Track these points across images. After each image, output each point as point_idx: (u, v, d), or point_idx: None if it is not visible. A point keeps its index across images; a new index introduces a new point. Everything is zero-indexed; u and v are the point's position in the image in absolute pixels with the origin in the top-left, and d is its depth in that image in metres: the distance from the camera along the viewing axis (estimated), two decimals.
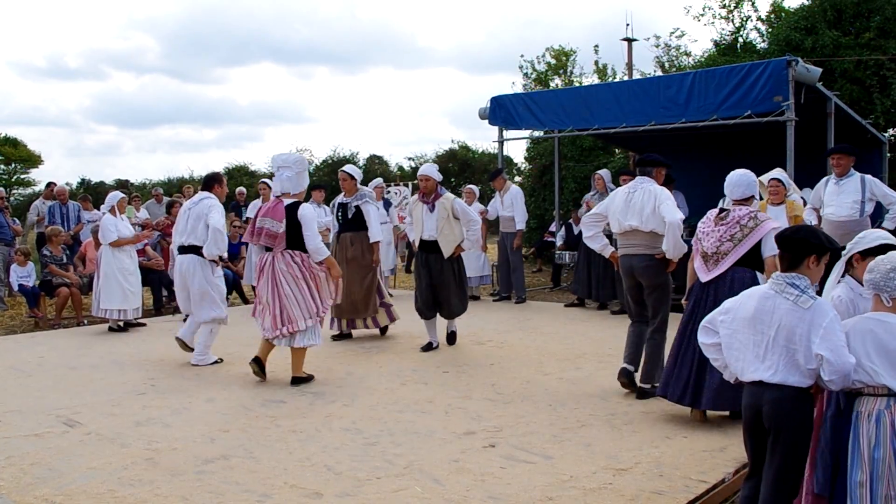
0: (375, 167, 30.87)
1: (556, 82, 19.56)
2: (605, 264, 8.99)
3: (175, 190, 21.75)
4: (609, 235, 5.78)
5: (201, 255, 6.18)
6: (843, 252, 2.98)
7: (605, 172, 9.41)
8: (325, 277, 5.51)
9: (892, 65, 11.21)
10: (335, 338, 7.21)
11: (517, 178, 19.15)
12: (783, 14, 13.81)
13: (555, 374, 5.79)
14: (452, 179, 27.85)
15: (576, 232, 10.79)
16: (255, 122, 60.65)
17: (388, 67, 68.42)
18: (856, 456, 2.60)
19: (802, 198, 6.86)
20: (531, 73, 19.68)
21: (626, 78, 17.14)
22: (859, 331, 2.61)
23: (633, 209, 4.98)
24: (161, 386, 5.56)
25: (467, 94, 66.92)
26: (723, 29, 15.13)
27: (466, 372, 5.89)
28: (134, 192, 14.72)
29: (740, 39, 14.56)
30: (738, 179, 4.42)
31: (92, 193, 17.40)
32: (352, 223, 7.06)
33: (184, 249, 6.27)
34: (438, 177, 6.57)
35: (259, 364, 5.55)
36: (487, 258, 10.42)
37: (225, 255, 6.39)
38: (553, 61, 19.96)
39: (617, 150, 14.76)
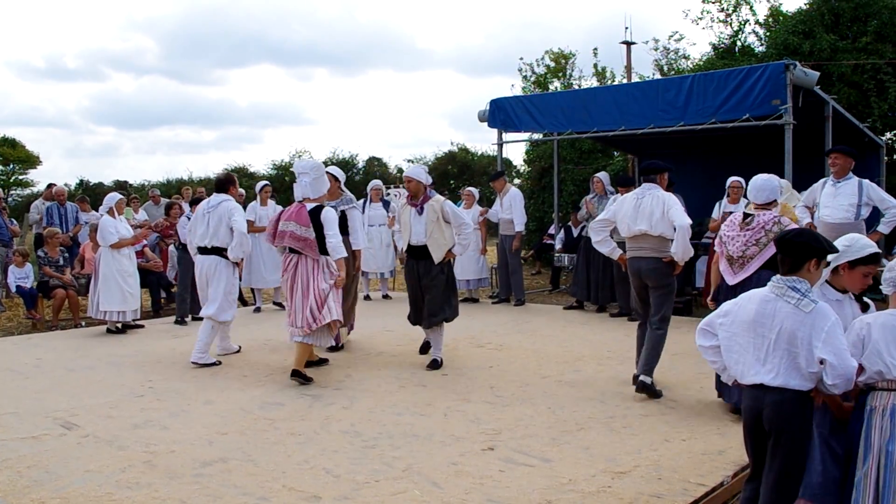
0: (375, 169, 30.90)
1: (556, 85, 19.55)
2: (604, 267, 9.02)
3: (174, 191, 21.71)
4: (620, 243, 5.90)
5: (224, 256, 6.34)
6: (830, 261, 3.01)
7: (603, 175, 9.43)
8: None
9: (890, 69, 11.24)
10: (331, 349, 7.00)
11: (516, 181, 19.16)
12: (781, 18, 13.85)
13: (553, 376, 5.79)
14: (452, 182, 27.87)
15: (575, 234, 10.80)
16: (255, 123, 60.75)
17: (388, 69, 68.62)
18: (868, 448, 2.65)
19: (807, 206, 6.78)
20: (530, 76, 19.69)
21: (625, 81, 17.16)
22: (880, 325, 2.71)
23: (643, 214, 5.21)
24: (159, 388, 5.55)
25: (466, 97, 67.12)
26: (721, 32, 15.19)
27: (465, 374, 5.88)
28: (133, 194, 14.67)
29: (738, 43, 14.60)
30: (763, 184, 4.59)
31: (90, 194, 17.35)
32: None
33: (205, 251, 6.39)
34: (426, 179, 6.23)
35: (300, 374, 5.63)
36: (486, 260, 10.42)
37: (245, 255, 6.54)
38: (552, 64, 19.96)
39: (616, 153, 14.76)
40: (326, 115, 63.95)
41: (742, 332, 2.82)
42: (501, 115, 10.18)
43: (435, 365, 6.12)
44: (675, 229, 5.05)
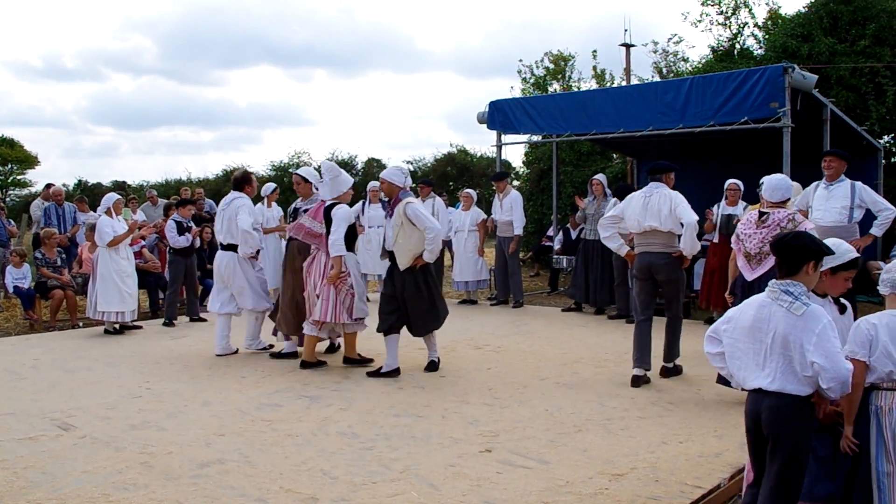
0: (374, 170, 30.87)
1: (555, 87, 19.54)
2: (603, 269, 9.04)
3: (172, 192, 21.70)
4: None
5: (237, 252, 6.72)
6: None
7: (602, 177, 9.45)
8: (353, 282, 6.00)
9: (888, 72, 11.24)
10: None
11: (515, 183, 19.14)
12: (780, 21, 13.87)
13: (551, 378, 5.79)
14: (451, 183, 27.84)
15: (573, 236, 10.81)
16: (254, 124, 60.70)
17: (387, 70, 68.62)
18: (880, 448, 2.74)
19: (800, 210, 6.83)
20: (529, 78, 19.69)
21: (624, 83, 17.17)
22: (885, 326, 2.78)
23: (651, 211, 5.52)
24: (156, 389, 5.55)
25: (465, 98, 67.14)
26: (720, 35, 15.20)
27: (463, 376, 5.88)
28: (131, 194, 14.65)
29: (737, 46, 14.61)
30: (777, 183, 4.83)
31: (89, 195, 17.32)
32: None
33: (223, 247, 6.80)
34: (401, 181, 5.88)
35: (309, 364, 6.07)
36: (485, 262, 10.43)
37: (254, 251, 6.75)
38: (551, 66, 19.95)
39: (615, 155, 14.76)
40: (326, 116, 63.99)
41: (743, 338, 2.82)
42: (500, 116, 10.19)
43: (433, 366, 6.09)
44: (682, 225, 5.37)
